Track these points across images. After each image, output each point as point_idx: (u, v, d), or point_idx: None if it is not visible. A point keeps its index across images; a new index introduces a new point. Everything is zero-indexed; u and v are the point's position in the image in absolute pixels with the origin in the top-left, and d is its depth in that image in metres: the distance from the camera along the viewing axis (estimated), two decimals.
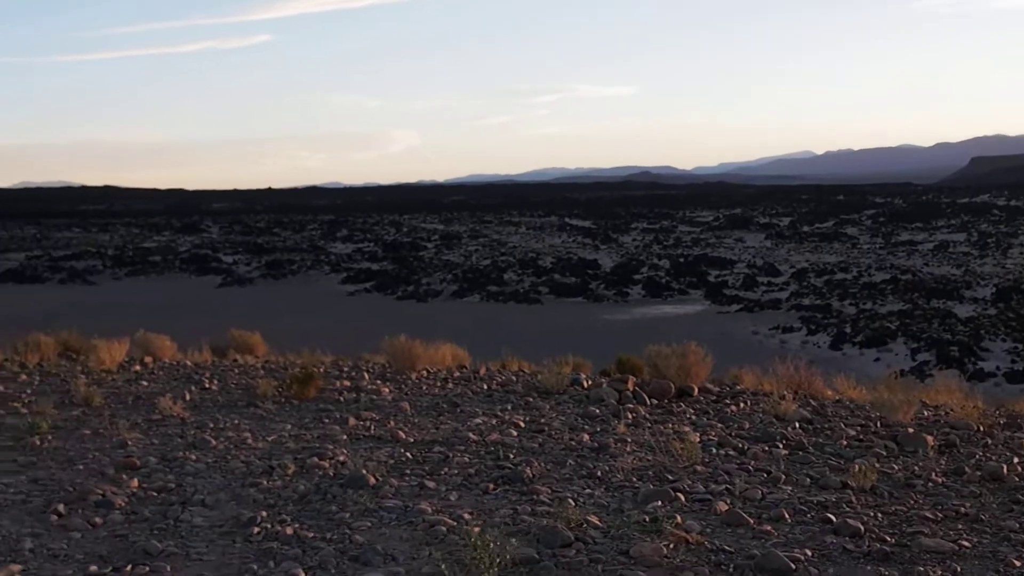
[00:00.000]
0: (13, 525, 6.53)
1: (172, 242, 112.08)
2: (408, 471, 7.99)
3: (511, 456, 8.49)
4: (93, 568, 5.70)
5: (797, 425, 10.03)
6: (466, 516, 6.65)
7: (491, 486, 7.52)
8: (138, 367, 14.25)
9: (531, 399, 11.59)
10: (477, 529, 6.06)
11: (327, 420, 10.29)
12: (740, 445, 9.00)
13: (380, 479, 7.57)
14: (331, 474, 7.80)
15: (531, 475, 7.80)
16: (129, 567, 5.73)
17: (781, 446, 9.07)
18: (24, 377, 13.08)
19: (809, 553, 5.96)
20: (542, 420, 10.28)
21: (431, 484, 7.55)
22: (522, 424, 10.04)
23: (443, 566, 5.50)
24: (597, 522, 6.50)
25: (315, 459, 8.23)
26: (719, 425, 10.09)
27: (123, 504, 6.98)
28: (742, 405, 11.30)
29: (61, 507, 6.86)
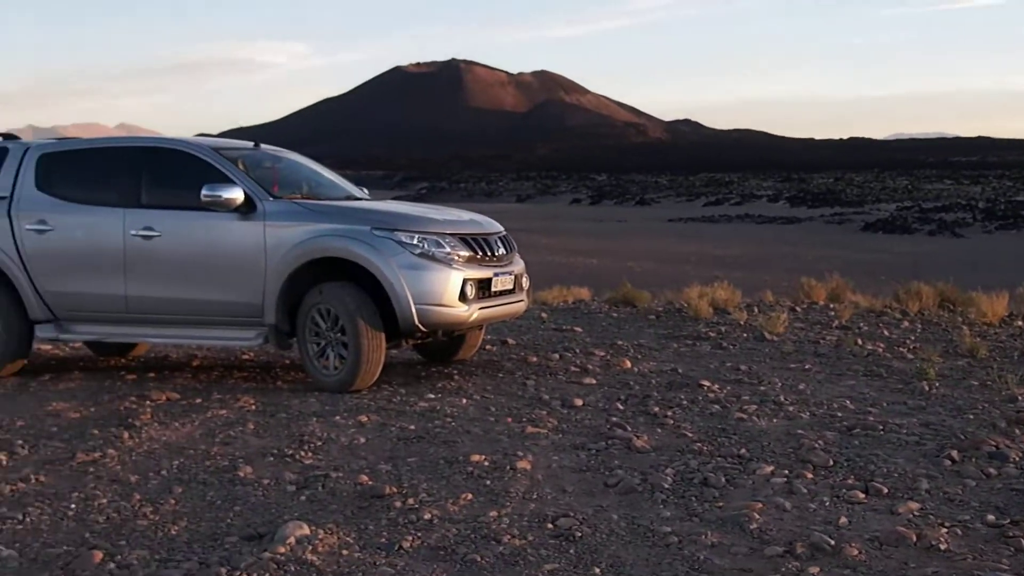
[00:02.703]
0: (908, 464, 6.77)
1: None
2: None
3: None
4: (991, 517, 5.71)
5: None
6: None
7: None
8: (1021, 322, 13.94)
9: None
10: None
11: None
12: None
13: None
14: None
15: None
16: None
17: None
18: (906, 324, 13.46)
19: None
20: None
21: None
22: None
23: None
24: None
25: None
26: None
27: (1017, 458, 6.89)
28: None
29: (954, 453, 6.95)
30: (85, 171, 10.32)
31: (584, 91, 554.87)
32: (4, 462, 7.04)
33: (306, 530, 5.44)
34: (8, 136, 10.94)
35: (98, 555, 5.21)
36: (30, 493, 6.34)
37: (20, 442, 7.55)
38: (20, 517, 5.87)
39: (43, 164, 10.36)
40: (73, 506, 6.06)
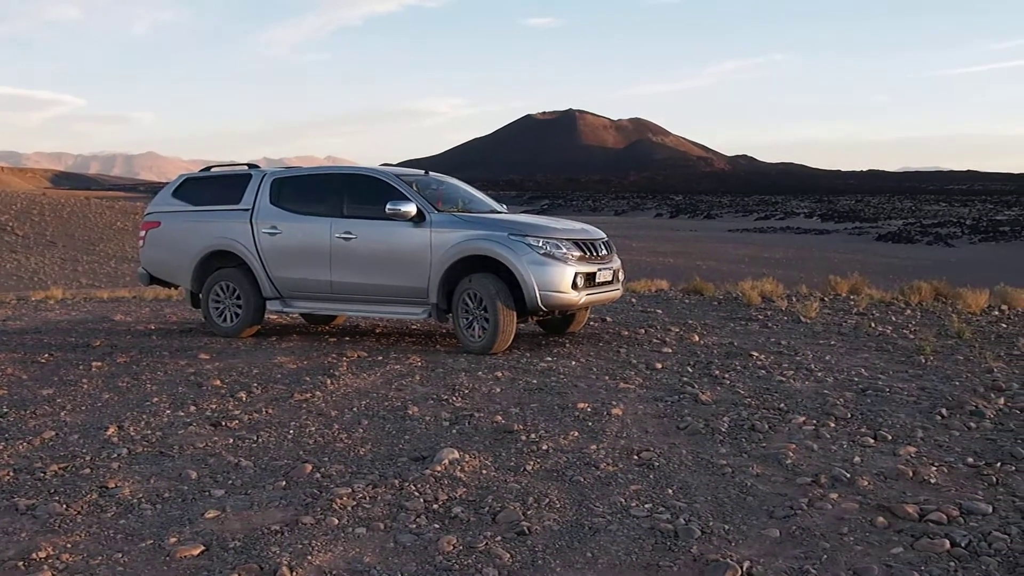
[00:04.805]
0: (907, 418, 6.54)
1: (1021, 216, 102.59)
2: None
3: None
4: (970, 460, 5.49)
5: None
6: None
7: None
8: (996, 312, 13.34)
9: None
10: None
11: None
12: None
13: None
14: None
15: None
16: (999, 464, 5.44)
17: None
18: (909, 312, 12.98)
19: None
20: None
21: None
22: None
23: None
24: None
25: None
26: None
27: (992, 415, 6.62)
28: None
29: (944, 410, 6.71)
30: (304, 191, 10.53)
31: (667, 133, 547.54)
32: (244, 398, 7.26)
33: (456, 455, 5.50)
34: (251, 166, 11.25)
35: (308, 467, 5.34)
36: (261, 421, 6.52)
37: (255, 385, 7.78)
38: (255, 438, 6.05)
39: (275, 185, 10.62)
40: (291, 432, 6.22)
